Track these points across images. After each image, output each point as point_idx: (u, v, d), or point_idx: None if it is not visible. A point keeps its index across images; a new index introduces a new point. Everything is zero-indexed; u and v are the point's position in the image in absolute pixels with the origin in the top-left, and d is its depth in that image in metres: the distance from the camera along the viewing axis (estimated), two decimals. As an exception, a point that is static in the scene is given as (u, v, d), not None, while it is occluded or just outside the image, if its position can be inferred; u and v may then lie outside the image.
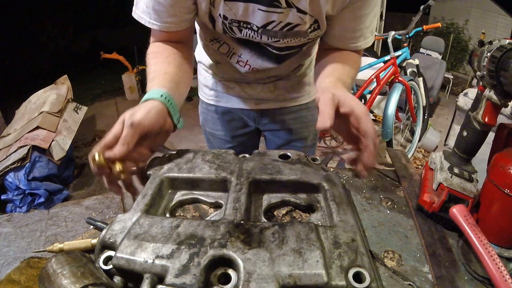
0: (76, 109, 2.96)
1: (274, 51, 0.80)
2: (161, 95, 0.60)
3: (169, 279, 0.39)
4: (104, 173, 0.54)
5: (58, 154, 2.37)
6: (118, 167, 0.53)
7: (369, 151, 0.56)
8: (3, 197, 2.13)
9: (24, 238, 1.79)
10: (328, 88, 0.63)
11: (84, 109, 3.06)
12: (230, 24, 0.73)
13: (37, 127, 2.42)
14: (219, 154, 0.65)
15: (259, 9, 0.69)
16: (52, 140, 2.39)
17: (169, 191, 0.60)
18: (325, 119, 0.53)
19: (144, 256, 0.42)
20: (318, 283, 0.39)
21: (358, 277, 0.41)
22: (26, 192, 2.11)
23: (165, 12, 0.69)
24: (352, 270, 0.41)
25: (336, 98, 0.57)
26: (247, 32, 0.75)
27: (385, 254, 0.58)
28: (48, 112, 2.62)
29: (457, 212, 0.56)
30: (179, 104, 0.66)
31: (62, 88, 3.03)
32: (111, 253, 0.45)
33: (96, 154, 0.52)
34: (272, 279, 0.39)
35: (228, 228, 0.46)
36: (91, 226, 0.67)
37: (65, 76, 3.21)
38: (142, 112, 0.56)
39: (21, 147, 2.24)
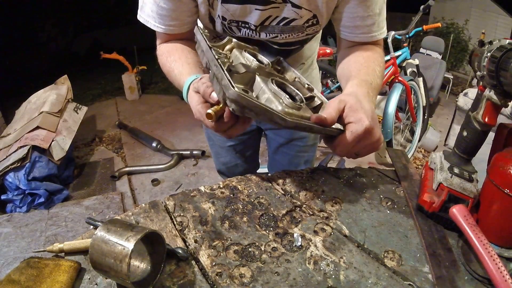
0: (76, 109, 2.95)
1: (274, 46, 0.83)
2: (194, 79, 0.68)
3: None
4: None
5: (58, 154, 2.37)
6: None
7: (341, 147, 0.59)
8: (3, 197, 2.13)
9: (24, 238, 1.80)
10: (345, 93, 0.63)
11: (84, 109, 3.05)
12: (229, 24, 0.77)
13: (37, 127, 2.41)
14: None
15: (256, 9, 0.72)
16: (52, 140, 2.39)
17: None
18: (320, 115, 0.56)
19: None
20: None
21: None
22: (26, 192, 2.10)
23: (168, 16, 0.75)
24: None
25: (342, 103, 0.58)
26: (245, 31, 0.78)
27: (385, 254, 0.58)
28: (48, 112, 2.61)
29: (457, 212, 0.56)
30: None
31: (62, 88, 3.03)
32: None
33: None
34: None
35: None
36: (91, 226, 0.67)
37: (65, 76, 3.20)
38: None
39: (21, 147, 2.24)
